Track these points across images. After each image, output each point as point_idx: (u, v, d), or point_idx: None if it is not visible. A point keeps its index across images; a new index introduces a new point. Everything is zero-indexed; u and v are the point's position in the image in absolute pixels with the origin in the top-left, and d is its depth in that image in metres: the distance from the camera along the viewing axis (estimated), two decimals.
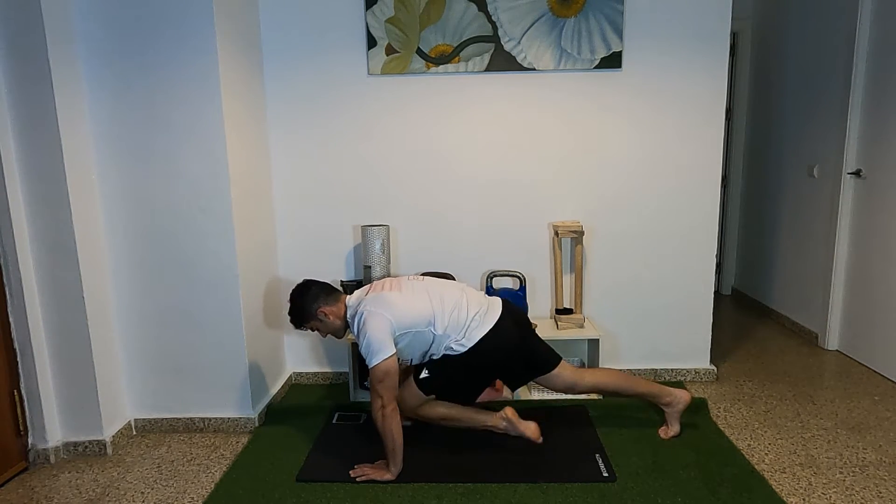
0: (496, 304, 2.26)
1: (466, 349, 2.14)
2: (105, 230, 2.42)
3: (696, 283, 2.92)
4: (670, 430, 2.35)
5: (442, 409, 2.25)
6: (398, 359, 2.12)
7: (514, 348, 2.21)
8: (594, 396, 2.68)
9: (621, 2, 2.68)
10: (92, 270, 2.33)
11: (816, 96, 3.48)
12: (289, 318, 2.27)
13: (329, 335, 2.29)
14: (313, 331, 2.28)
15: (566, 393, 2.41)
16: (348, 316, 2.20)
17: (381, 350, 2.02)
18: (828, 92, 3.36)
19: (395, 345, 2.08)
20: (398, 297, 2.13)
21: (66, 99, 2.19)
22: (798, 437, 2.39)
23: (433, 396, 2.24)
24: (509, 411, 2.30)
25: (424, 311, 2.13)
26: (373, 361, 2.02)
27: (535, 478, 2.08)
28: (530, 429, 2.28)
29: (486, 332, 2.15)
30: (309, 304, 2.20)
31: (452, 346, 2.16)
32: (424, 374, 2.22)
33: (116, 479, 2.20)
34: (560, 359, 2.32)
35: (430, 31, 2.73)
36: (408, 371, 2.39)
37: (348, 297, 2.25)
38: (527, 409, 2.47)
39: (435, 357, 2.21)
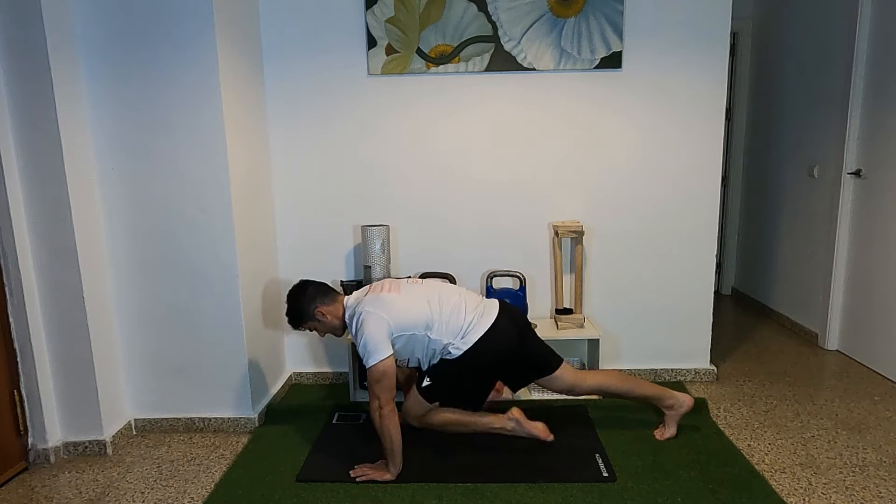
0: (493, 305, 2.25)
1: (463, 351, 2.14)
2: (105, 230, 2.42)
3: (696, 283, 2.92)
4: (666, 431, 2.34)
5: (447, 416, 2.24)
6: (395, 359, 2.12)
7: (512, 348, 2.21)
8: (594, 397, 2.68)
9: (621, 2, 2.68)
10: (92, 270, 2.33)
11: (816, 96, 3.48)
12: (286, 318, 2.27)
13: (328, 334, 2.29)
14: (311, 331, 2.28)
15: (567, 395, 2.40)
16: (346, 316, 2.20)
17: (378, 351, 2.02)
18: (828, 92, 3.36)
19: (392, 346, 2.08)
20: (396, 298, 2.13)
21: (66, 99, 2.19)
22: (798, 437, 2.39)
23: (437, 404, 2.23)
24: (516, 412, 2.28)
25: (422, 313, 2.13)
26: (370, 362, 2.02)
27: (535, 478, 2.08)
28: (539, 429, 2.26)
29: (482, 334, 2.15)
30: (306, 304, 2.20)
31: (450, 349, 2.15)
32: (426, 382, 2.21)
33: (116, 479, 2.20)
34: (561, 361, 2.31)
35: (430, 31, 2.73)
36: (410, 379, 2.38)
37: (347, 297, 2.25)
38: (526, 410, 2.46)
39: (434, 362, 2.20)
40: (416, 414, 2.24)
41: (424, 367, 2.24)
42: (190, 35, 2.27)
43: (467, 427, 2.26)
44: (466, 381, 2.22)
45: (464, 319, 2.16)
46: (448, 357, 2.17)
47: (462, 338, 2.14)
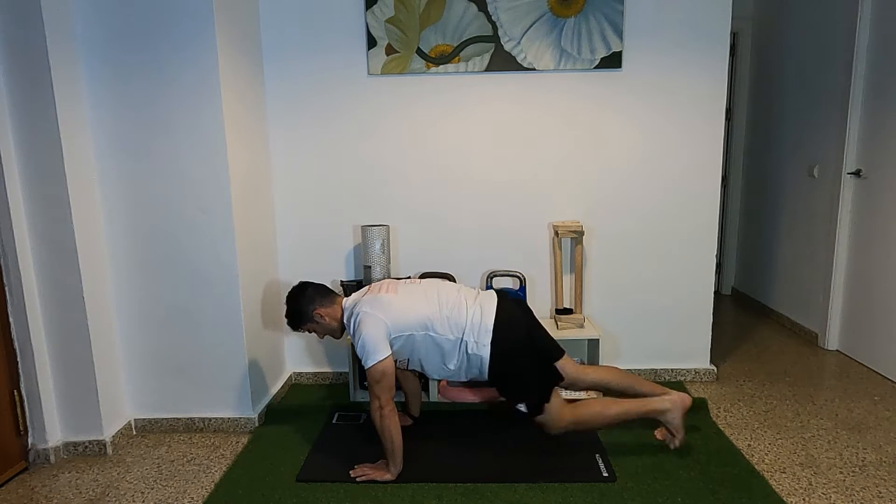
0: (490, 293, 2.25)
1: (490, 346, 2.10)
2: (105, 230, 2.42)
3: (696, 283, 2.92)
4: (676, 439, 2.24)
5: (592, 408, 2.20)
6: (395, 360, 2.11)
7: (525, 320, 2.18)
8: (593, 396, 2.68)
9: (621, 2, 2.68)
10: (92, 270, 2.33)
11: (816, 96, 3.48)
12: (286, 320, 2.27)
13: (327, 336, 2.29)
14: (310, 332, 2.27)
15: (568, 389, 2.38)
16: (345, 318, 2.19)
17: (377, 351, 2.02)
18: (828, 92, 3.36)
19: (391, 347, 2.07)
20: (394, 299, 2.12)
21: (66, 99, 2.19)
22: (798, 437, 2.39)
23: (549, 404, 2.17)
24: (679, 396, 2.21)
25: (421, 313, 2.12)
26: (368, 363, 2.02)
27: (535, 478, 2.08)
28: (681, 435, 2.19)
29: (494, 318, 2.12)
30: (305, 306, 2.20)
31: (479, 353, 2.11)
32: (522, 408, 2.17)
33: (116, 479, 2.20)
34: (564, 351, 2.31)
35: (430, 31, 2.73)
36: (410, 380, 2.38)
37: (345, 299, 2.24)
38: None
39: (449, 368, 2.16)
40: (556, 425, 2.19)
41: (430, 373, 2.22)
42: (190, 35, 2.27)
43: (628, 411, 2.20)
44: (524, 363, 2.16)
45: (466, 312, 2.14)
46: (486, 365, 2.12)
47: (476, 334, 2.11)
